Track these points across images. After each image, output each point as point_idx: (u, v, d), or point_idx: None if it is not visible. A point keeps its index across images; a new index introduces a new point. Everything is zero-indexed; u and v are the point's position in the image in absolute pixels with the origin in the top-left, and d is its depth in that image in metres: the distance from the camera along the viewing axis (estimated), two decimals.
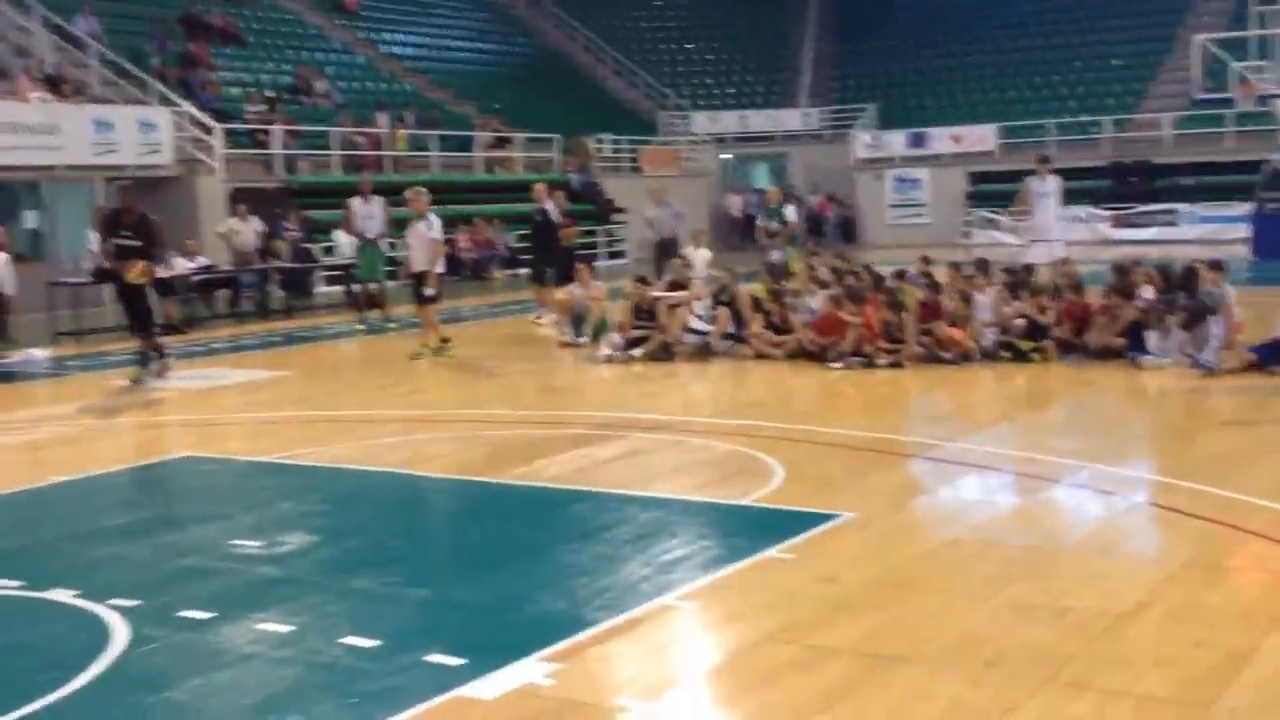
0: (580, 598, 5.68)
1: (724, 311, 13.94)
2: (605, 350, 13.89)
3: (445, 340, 14.75)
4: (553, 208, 18.72)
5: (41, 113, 21.98)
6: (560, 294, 16.15)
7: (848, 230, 36.34)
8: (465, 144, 30.61)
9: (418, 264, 14.72)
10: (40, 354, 15.90)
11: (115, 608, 5.63)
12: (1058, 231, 17.25)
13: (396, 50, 35.15)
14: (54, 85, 23.28)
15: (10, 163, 21.47)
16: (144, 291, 13.18)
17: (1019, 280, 13.75)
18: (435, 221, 14.80)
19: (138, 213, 13.15)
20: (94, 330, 17.69)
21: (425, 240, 14.69)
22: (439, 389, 12.75)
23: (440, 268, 14.98)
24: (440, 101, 32.89)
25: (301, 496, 7.96)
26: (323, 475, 8.56)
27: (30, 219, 23.45)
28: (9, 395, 13.30)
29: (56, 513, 7.84)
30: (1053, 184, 16.95)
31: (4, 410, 12.02)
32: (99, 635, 5.31)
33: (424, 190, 15.17)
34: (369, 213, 18.57)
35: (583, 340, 14.94)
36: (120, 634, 5.31)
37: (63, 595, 5.88)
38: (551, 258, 18.07)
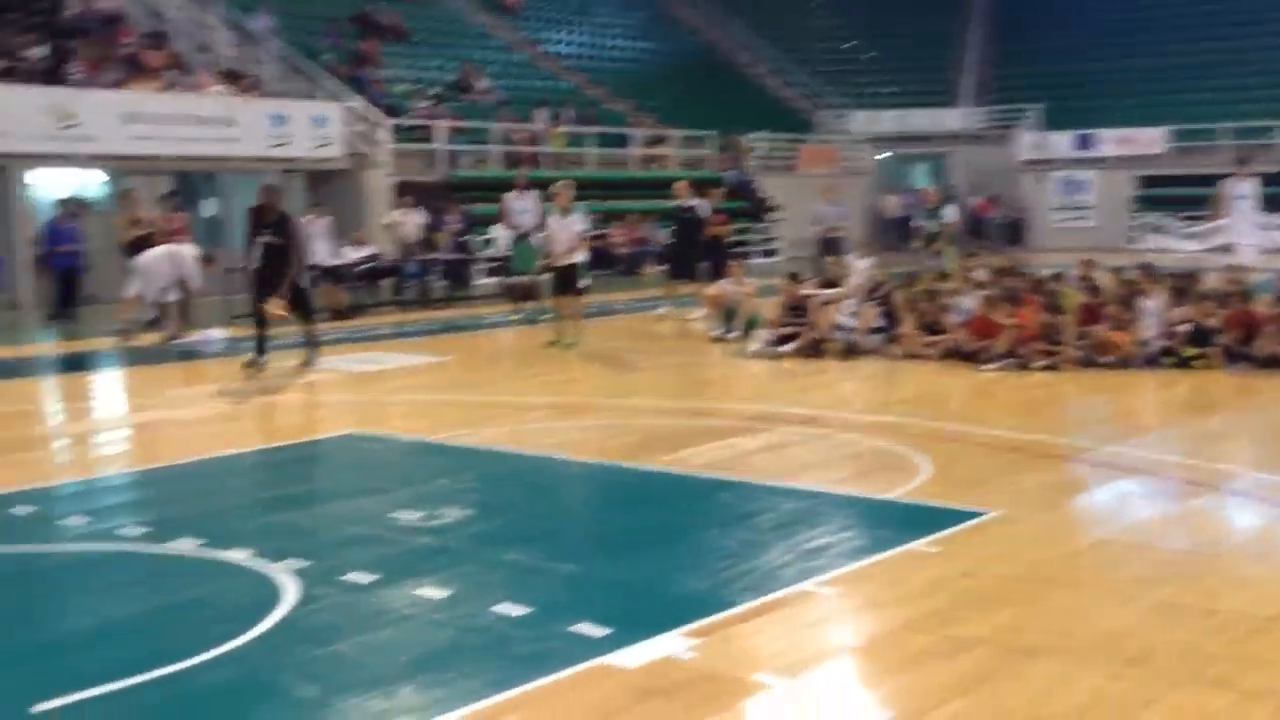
0: (723, 579, 5.82)
1: (869, 307, 13.93)
2: (755, 345, 14.00)
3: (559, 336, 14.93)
4: (701, 205, 18.92)
5: (220, 106, 22.99)
6: (711, 289, 16.31)
7: (1014, 232, 35.71)
8: (621, 141, 30.98)
9: (562, 256, 15.03)
10: (218, 334, 16.66)
11: (286, 568, 5.98)
12: (1254, 235, 16.73)
13: (556, 49, 35.73)
14: (232, 79, 24.31)
15: (190, 153, 22.50)
16: (305, 293, 13.59)
17: (1185, 286, 13.43)
18: (580, 215, 15.11)
19: (278, 211, 13.28)
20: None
21: (570, 233, 15.02)
22: (590, 379, 13.02)
23: (581, 257, 15.29)
24: (597, 99, 33.33)
25: (457, 475, 8.27)
26: (477, 456, 8.86)
27: (208, 207, 24.52)
28: (189, 372, 14.00)
29: (234, 481, 8.31)
30: (1249, 186, 16.45)
31: (184, 386, 12.71)
32: (271, 592, 5.65)
33: (571, 184, 15.53)
34: (524, 207, 19.04)
35: (733, 335, 15.07)
36: (290, 592, 5.65)
37: (239, 555, 6.26)
38: (697, 254, 18.28)
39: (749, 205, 32.07)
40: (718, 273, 16.86)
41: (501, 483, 8.19)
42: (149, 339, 16.21)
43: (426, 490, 7.76)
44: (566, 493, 8.17)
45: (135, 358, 14.83)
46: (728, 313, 15.45)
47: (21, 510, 7.46)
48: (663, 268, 20.34)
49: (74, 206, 20.07)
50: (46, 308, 19.47)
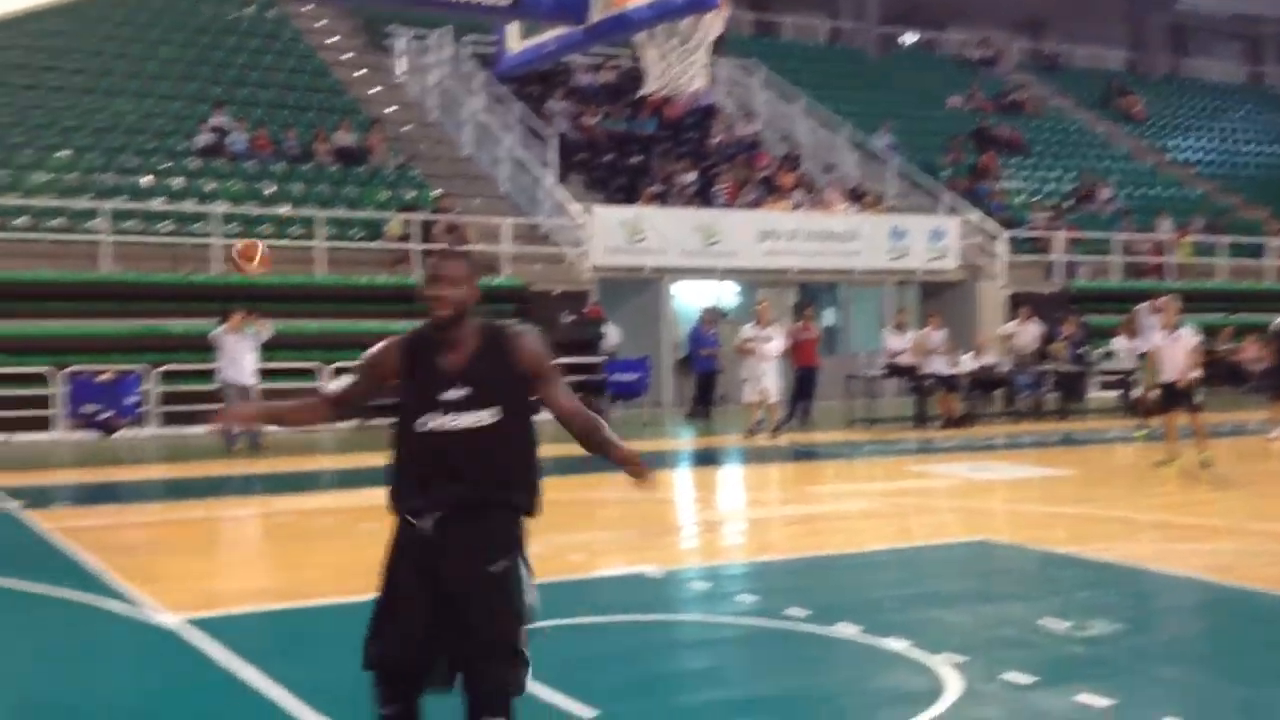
0: None
1: None
2: None
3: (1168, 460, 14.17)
4: None
5: (845, 222, 24.38)
6: None
7: None
8: (1256, 251, 29.11)
9: (1173, 372, 14.40)
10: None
11: (945, 661, 6.35)
12: None
13: (1184, 155, 34.34)
14: (856, 197, 25.71)
15: (816, 266, 24.03)
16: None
17: None
18: (1188, 330, 14.48)
19: None
20: (883, 419, 19.27)
21: (1179, 349, 14.40)
22: (1220, 500, 12.40)
23: (1195, 374, 14.60)
24: (1230, 206, 31.60)
25: (1099, 587, 8.26)
26: (1116, 571, 8.80)
27: (828, 316, 25.96)
28: (815, 472, 14.95)
29: (883, 575, 8.84)
30: None
31: (814, 484, 13.60)
32: (936, 682, 6.03)
33: (1176, 298, 15.03)
34: (1152, 323, 18.46)
35: None
36: (954, 684, 5.99)
37: (897, 644, 6.71)
38: None
39: None
40: None
41: (1149, 599, 8.10)
42: (772, 438, 17.46)
43: (1072, 600, 7.84)
44: (1221, 617, 7.91)
45: (765, 455, 16.04)
46: None
47: (700, 585, 8.44)
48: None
49: (713, 314, 22.07)
50: (685, 406, 21.47)
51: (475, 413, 4.30)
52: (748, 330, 18.09)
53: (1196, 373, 14.43)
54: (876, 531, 10.68)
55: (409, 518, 4.37)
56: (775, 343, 17.93)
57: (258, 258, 7.25)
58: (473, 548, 4.32)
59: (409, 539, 4.37)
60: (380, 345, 4.48)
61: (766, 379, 17.73)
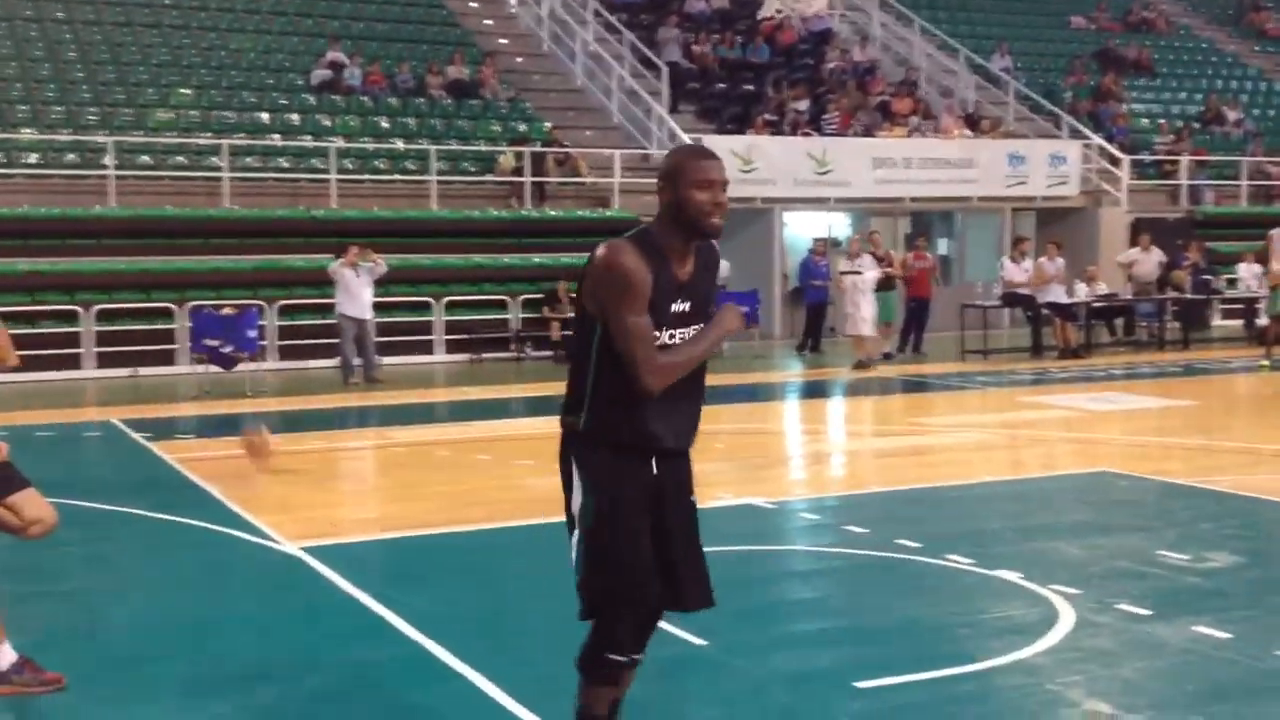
0: None
1: None
2: None
3: None
4: None
5: (961, 148, 23.86)
6: None
7: None
8: None
9: None
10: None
11: (1058, 592, 6.28)
12: None
13: None
14: (973, 122, 25.12)
15: (931, 194, 23.59)
16: None
17: None
18: None
19: None
20: (998, 350, 18.95)
21: None
22: None
23: None
24: None
25: (1219, 520, 8.08)
26: (1238, 502, 8.59)
27: (942, 245, 25.51)
28: (926, 403, 14.81)
29: (996, 506, 8.75)
30: None
31: (925, 415, 13.46)
32: (1049, 612, 5.97)
33: None
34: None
35: None
36: (1067, 615, 5.93)
37: (1009, 575, 6.66)
38: None
39: None
40: None
41: (1269, 532, 7.91)
42: (882, 370, 17.30)
43: (1190, 532, 7.69)
44: None
45: (875, 388, 15.92)
46: None
47: (809, 516, 8.45)
48: None
49: (824, 245, 21.82)
50: (795, 338, 21.35)
51: (692, 329, 3.93)
52: (842, 264, 17.93)
53: None
54: (989, 463, 10.58)
55: (650, 455, 3.94)
56: (869, 274, 17.67)
57: (264, 453, 8.38)
58: (682, 482, 4.06)
59: (640, 480, 3.94)
60: (625, 259, 3.79)
61: (861, 311, 17.53)
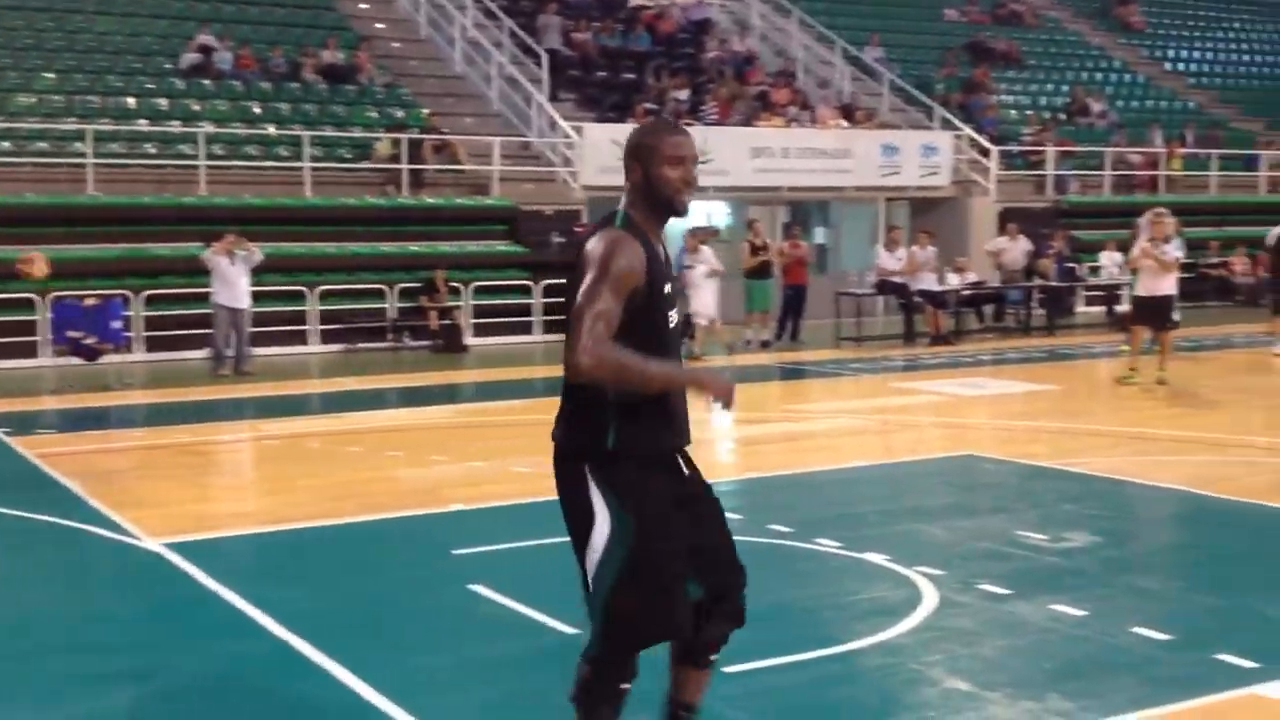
0: None
1: None
2: None
3: (1133, 370, 14.24)
4: None
5: (837, 139, 24.19)
6: None
7: None
8: (1250, 163, 28.95)
9: (1154, 288, 14.31)
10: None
11: (923, 574, 6.42)
12: None
13: (1180, 66, 34.01)
14: (849, 113, 25.48)
15: (808, 184, 23.87)
16: None
17: None
18: (1175, 244, 14.41)
19: None
20: (872, 337, 19.30)
21: (1166, 263, 14.32)
22: (1208, 414, 12.45)
23: (1171, 289, 14.52)
24: (1224, 119, 31.37)
25: (1080, 500, 8.32)
26: (1098, 484, 8.86)
27: (819, 234, 25.84)
28: (801, 390, 14.99)
29: (862, 491, 8.91)
30: None
31: (800, 401, 13.64)
32: (913, 594, 6.10)
33: (1165, 212, 14.84)
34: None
35: None
36: (930, 596, 6.07)
37: (876, 558, 6.78)
38: None
39: None
40: None
41: (1126, 511, 8.17)
42: (759, 357, 17.47)
43: (1051, 514, 7.91)
44: (1202, 527, 7.98)
45: (751, 374, 16.09)
46: None
47: None
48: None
49: (703, 235, 21.93)
50: None
51: (674, 312, 3.82)
52: (685, 259, 18.07)
53: (1171, 288, 14.35)
54: (861, 448, 10.75)
55: (676, 458, 3.86)
56: (699, 269, 17.89)
57: (37, 266, 7.74)
58: (698, 475, 3.99)
59: (674, 485, 3.84)
60: (621, 248, 3.62)
61: (696, 302, 17.66)
